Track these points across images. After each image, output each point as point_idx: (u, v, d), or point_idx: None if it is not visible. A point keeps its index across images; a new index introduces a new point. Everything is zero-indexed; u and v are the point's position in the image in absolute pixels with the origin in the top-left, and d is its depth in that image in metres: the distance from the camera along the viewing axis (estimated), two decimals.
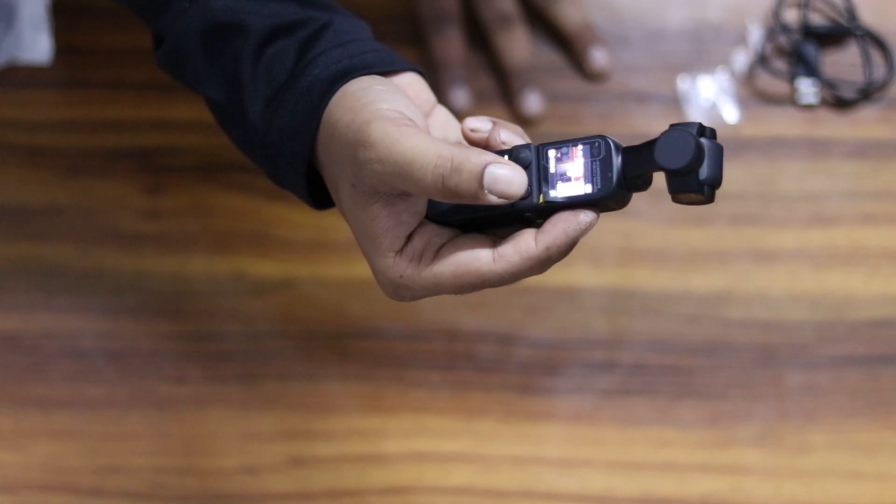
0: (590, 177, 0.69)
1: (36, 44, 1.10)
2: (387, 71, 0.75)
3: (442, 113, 0.78)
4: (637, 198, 1.07)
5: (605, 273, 1.04)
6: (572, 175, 0.70)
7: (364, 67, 0.73)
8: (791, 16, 1.10)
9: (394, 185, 0.69)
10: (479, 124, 0.73)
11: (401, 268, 0.71)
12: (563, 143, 0.70)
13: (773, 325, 1.02)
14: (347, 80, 0.72)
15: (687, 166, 0.67)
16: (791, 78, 1.08)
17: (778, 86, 1.08)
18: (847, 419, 1.00)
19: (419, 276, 0.70)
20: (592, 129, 1.08)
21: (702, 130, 0.68)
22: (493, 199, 0.68)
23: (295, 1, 0.76)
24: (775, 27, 1.09)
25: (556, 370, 1.02)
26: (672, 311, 1.03)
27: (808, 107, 1.08)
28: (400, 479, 1.00)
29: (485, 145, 0.73)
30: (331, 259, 1.04)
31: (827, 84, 1.07)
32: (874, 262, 1.04)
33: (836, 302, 1.03)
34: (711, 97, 1.08)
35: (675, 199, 0.69)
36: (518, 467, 1.00)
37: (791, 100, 1.08)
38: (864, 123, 1.07)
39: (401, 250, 0.71)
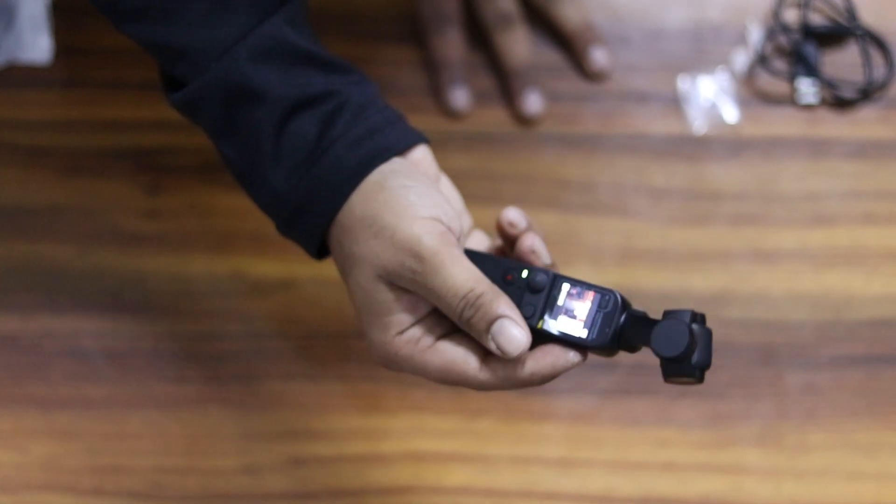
0: (589, 324, 0.74)
1: (36, 44, 1.10)
2: (403, 149, 0.79)
3: (446, 183, 0.83)
4: (637, 198, 1.07)
5: (605, 273, 1.04)
6: (575, 314, 0.75)
7: (385, 150, 0.78)
8: (791, 16, 1.10)
9: (422, 294, 0.75)
10: (518, 219, 0.79)
11: (397, 347, 0.76)
12: (579, 284, 0.75)
13: (773, 325, 1.03)
14: (373, 168, 0.77)
15: (681, 355, 0.72)
16: (791, 78, 1.08)
17: (778, 86, 1.08)
18: (847, 419, 1.00)
19: (411, 357, 0.76)
20: (592, 129, 1.08)
21: (693, 317, 0.73)
22: (492, 347, 0.74)
23: (314, 65, 0.79)
24: (775, 27, 1.09)
25: None
26: None
27: (808, 107, 1.08)
28: (400, 479, 1.00)
29: (512, 241, 0.79)
30: (331, 260, 1.04)
31: (827, 84, 1.07)
32: (874, 262, 1.04)
33: (836, 302, 1.03)
34: (711, 97, 1.08)
35: (668, 381, 0.74)
36: (518, 467, 1.00)
37: (791, 100, 1.08)
38: (864, 123, 1.07)
39: (402, 332, 0.76)
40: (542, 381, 0.75)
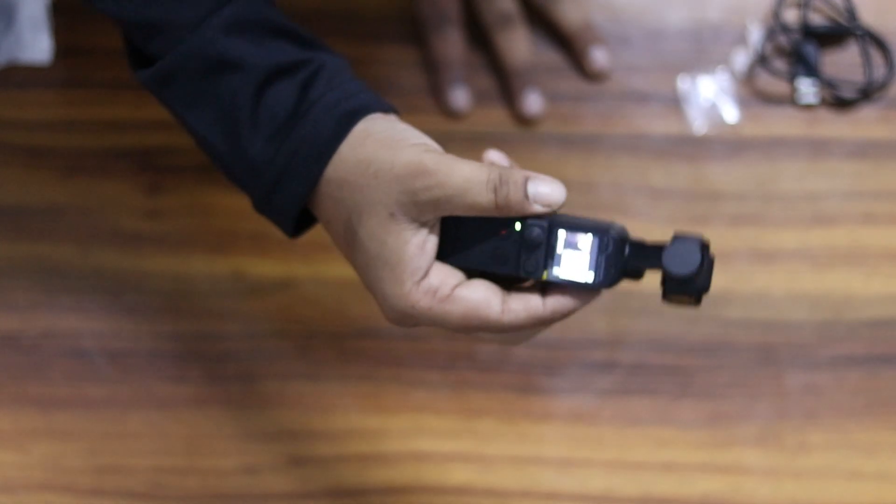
0: (593, 266, 0.75)
1: (36, 44, 1.10)
2: (380, 111, 0.80)
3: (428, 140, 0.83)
4: (637, 198, 1.07)
5: None
6: (578, 261, 0.75)
7: (365, 108, 0.78)
8: (791, 16, 1.10)
9: (448, 207, 0.74)
10: (501, 160, 0.80)
11: (415, 298, 0.75)
12: (574, 227, 0.75)
13: (773, 325, 1.03)
14: (355, 122, 0.78)
15: (691, 274, 0.73)
16: (791, 78, 1.08)
17: (778, 86, 1.08)
18: (847, 419, 1.00)
19: (430, 309, 0.75)
20: (592, 129, 1.08)
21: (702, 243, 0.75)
22: (537, 209, 0.74)
23: (288, 38, 0.80)
24: (775, 27, 1.09)
25: (556, 370, 1.02)
26: (672, 311, 1.03)
27: (808, 107, 1.08)
28: (400, 479, 1.00)
29: None
30: (331, 259, 1.04)
31: (827, 84, 1.08)
32: (874, 262, 1.04)
33: (836, 302, 1.03)
34: (711, 97, 1.08)
35: (666, 300, 0.75)
36: (518, 467, 1.00)
37: (791, 100, 1.08)
38: (864, 123, 1.07)
39: (419, 282, 0.75)
40: (561, 317, 0.75)
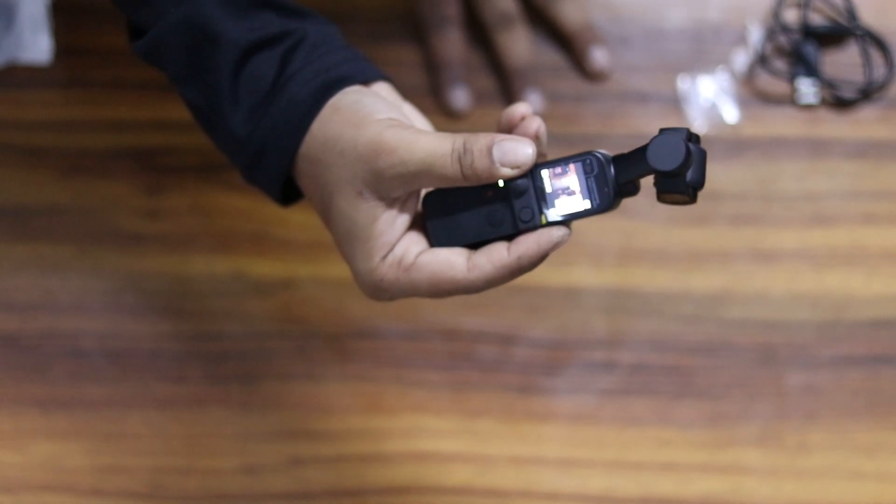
0: (587, 192, 0.74)
1: (36, 44, 1.10)
2: (362, 82, 0.79)
3: (409, 109, 0.83)
4: (637, 198, 1.07)
5: (605, 273, 1.04)
6: (570, 191, 0.74)
7: (341, 81, 0.77)
8: (791, 16, 1.10)
9: (416, 183, 0.73)
10: (528, 110, 0.77)
11: (382, 272, 0.75)
12: (555, 163, 0.74)
13: (773, 325, 1.03)
14: (329, 97, 0.77)
15: (677, 168, 0.71)
16: (791, 78, 1.08)
17: (778, 86, 1.08)
18: (847, 419, 1.00)
19: (398, 280, 0.75)
20: (592, 129, 1.08)
21: (689, 135, 0.72)
22: (507, 172, 0.72)
23: (273, 9, 0.79)
24: (775, 27, 1.09)
25: (556, 370, 1.02)
26: (672, 311, 1.03)
27: (808, 107, 1.08)
28: (400, 479, 1.00)
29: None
30: (331, 259, 1.04)
31: (827, 84, 1.07)
32: (874, 262, 1.04)
33: (836, 302, 1.03)
34: (711, 97, 1.08)
35: (661, 199, 0.73)
36: (518, 467, 1.00)
37: (791, 100, 1.08)
38: (864, 123, 1.07)
39: (385, 256, 0.75)
40: (531, 263, 0.73)
